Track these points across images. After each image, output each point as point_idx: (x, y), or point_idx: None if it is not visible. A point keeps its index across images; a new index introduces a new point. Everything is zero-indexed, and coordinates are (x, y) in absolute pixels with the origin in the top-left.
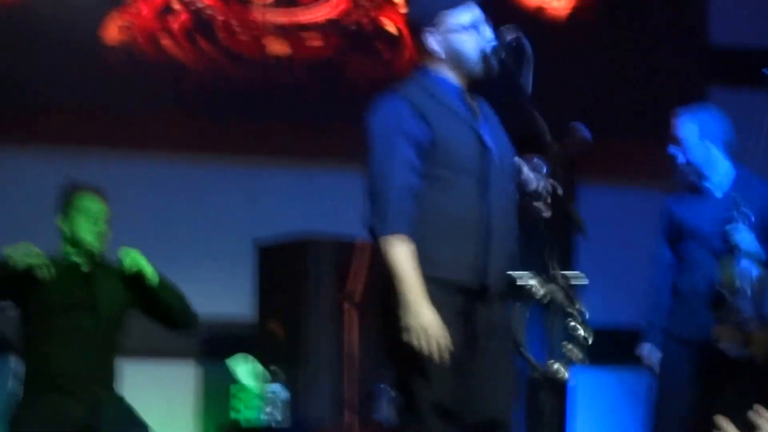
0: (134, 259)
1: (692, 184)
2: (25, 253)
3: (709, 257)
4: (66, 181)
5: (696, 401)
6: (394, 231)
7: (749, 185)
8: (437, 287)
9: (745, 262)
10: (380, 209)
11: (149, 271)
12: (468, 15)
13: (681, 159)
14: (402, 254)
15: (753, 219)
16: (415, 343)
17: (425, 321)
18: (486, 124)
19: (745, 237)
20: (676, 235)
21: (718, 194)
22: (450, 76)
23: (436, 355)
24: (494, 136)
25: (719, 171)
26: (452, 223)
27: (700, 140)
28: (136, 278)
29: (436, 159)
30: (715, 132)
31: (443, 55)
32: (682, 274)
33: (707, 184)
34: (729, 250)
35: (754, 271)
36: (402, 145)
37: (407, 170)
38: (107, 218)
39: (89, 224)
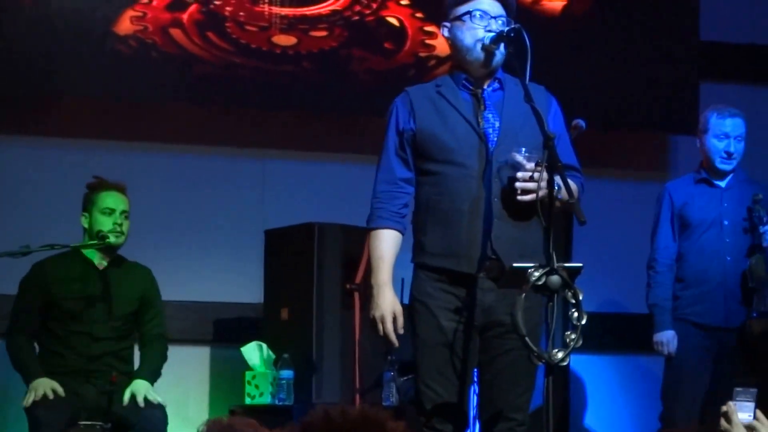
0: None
1: (706, 176)
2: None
3: (721, 246)
4: (90, 181)
5: (707, 385)
6: (372, 225)
7: (746, 182)
8: (428, 275)
9: None
10: (371, 203)
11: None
12: (468, 5)
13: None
14: (373, 247)
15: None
16: (377, 331)
17: (378, 312)
18: (498, 116)
19: None
20: (682, 223)
21: (722, 185)
22: (462, 68)
23: (388, 340)
24: (509, 126)
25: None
26: (440, 214)
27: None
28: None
29: (421, 151)
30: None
31: (451, 48)
32: (690, 262)
33: (716, 177)
34: (759, 245)
35: None
36: (394, 139)
37: (397, 163)
38: (127, 212)
39: (106, 217)
